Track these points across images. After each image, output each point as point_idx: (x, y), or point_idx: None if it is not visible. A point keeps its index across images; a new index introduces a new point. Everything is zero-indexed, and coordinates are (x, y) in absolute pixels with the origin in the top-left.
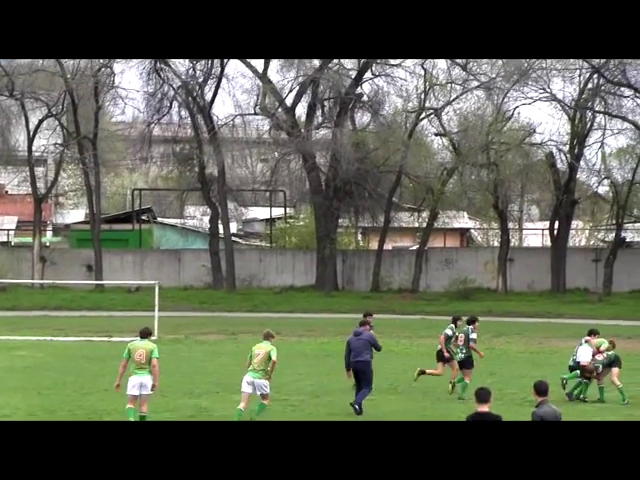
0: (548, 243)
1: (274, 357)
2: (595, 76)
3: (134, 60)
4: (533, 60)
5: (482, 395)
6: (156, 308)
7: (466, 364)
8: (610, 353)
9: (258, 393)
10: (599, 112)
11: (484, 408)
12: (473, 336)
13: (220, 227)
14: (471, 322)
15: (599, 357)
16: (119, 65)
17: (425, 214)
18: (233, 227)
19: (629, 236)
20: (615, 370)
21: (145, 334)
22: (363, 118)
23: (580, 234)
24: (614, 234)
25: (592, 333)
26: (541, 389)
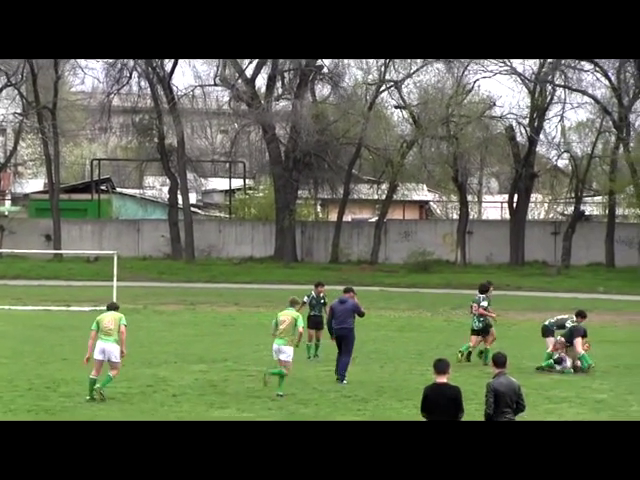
0: (507, 216)
1: (300, 326)
2: None
3: None
4: None
5: (440, 366)
6: (114, 278)
7: (483, 331)
8: (573, 324)
9: (282, 358)
10: (559, 86)
11: (442, 379)
12: (484, 304)
13: (179, 198)
14: (485, 289)
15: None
16: None
17: (384, 186)
18: (192, 198)
19: (588, 209)
20: (578, 340)
21: (113, 307)
22: (323, 90)
23: (539, 207)
24: (573, 207)
25: (580, 315)
26: (499, 361)
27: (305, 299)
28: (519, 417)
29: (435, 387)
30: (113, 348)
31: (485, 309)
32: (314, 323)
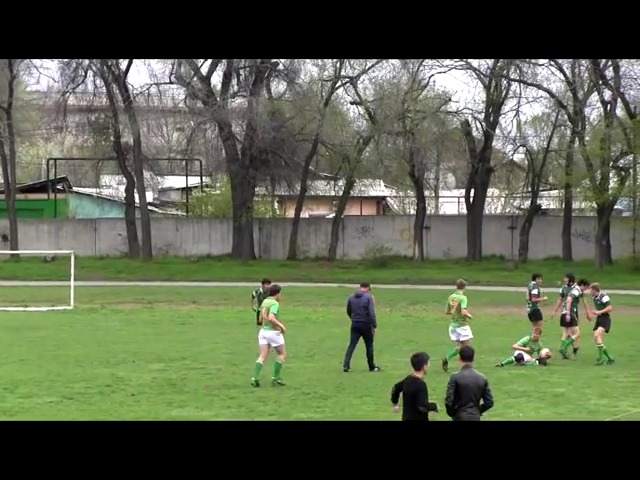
0: (464, 211)
1: (272, 312)
2: None
3: None
4: None
5: (416, 362)
6: (72, 277)
7: (532, 315)
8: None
9: (273, 345)
10: (514, 80)
11: (419, 374)
12: (534, 291)
13: (136, 196)
14: (535, 277)
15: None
16: None
17: (341, 182)
18: (149, 196)
19: (544, 203)
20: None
21: (270, 292)
22: (279, 87)
23: (496, 202)
24: (529, 202)
25: (583, 282)
26: (466, 354)
27: (253, 294)
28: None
29: (409, 380)
30: (270, 334)
31: (536, 296)
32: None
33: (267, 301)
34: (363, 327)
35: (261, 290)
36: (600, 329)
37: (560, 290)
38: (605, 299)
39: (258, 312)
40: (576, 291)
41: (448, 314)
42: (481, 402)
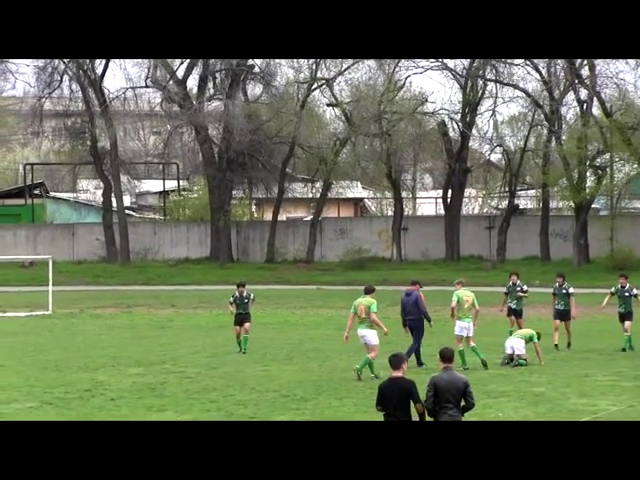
0: (442, 211)
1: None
2: None
3: None
4: None
5: (394, 362)
6: (50, 283)
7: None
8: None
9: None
10: (490, 80)
11: (398, 373)
12: (524, 287)
13: (113, 201)
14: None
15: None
16: None
17: (319, 184)
18: (126, 200)
19: (522, 203)
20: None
21: (367, 291)
22: (255, 89)
23: (473, 202)
24: (507, 201)
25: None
26: (445, 356)
27: (230, 299)
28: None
29: (390, 380)
30: (367, 332)
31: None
32: (239, 320)
33: (364, 300)
34: (414, 324)
35: (237, 294)
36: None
37: (552, 290)
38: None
39: (239, 314)
40: (572, 289)
41: (455, 312)
42: (462, 403)
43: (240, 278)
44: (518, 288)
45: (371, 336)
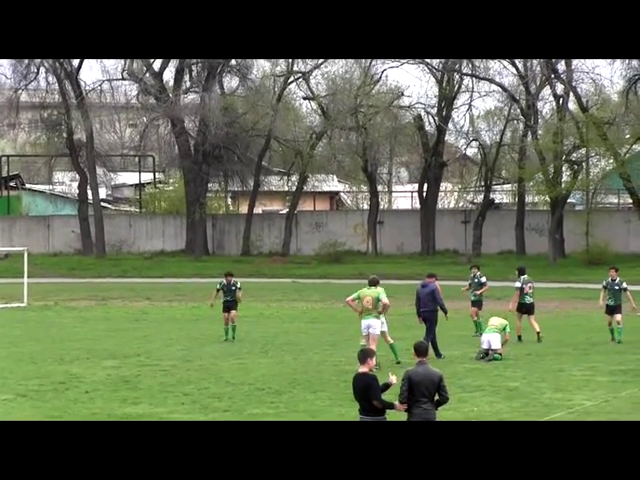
0: (417, 205)
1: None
2: None
3: None
4: None
5: (360, 357)
6: (25, 275)
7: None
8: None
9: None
10: (467, 74)
11: (364, 369)
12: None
13: (89, 193)
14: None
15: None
16: None
17: (295, 178)
18: (102, 193)
19: (497, 198)
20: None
21: (372, 283)
22: (231, 82)
23: (449, 196)
24: (483, 196)
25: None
26: (419, 350)
27: (217, 286)
28: (441, 408)
29: (358, 376)
30: (373, 322)
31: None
32: (227, 307)
33: (370, 291)
34: (428, 316)
35: (224, 282)
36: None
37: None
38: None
39: (226, 301)
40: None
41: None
42: (436, 397)
43: (216, 271)
44: (476, 280)
45: (377, 326)
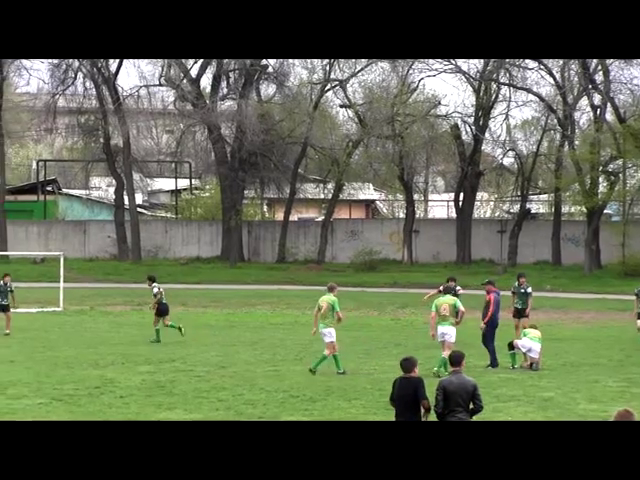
0: (453, 215)
1: (337, 309)
2: None
3: None
4: None
5: (407, 366)
6: (61, 279)
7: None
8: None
9: (326, 340)
10: (504, 84)
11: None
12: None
13: (125, 198)
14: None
15: None
16: None
17: (330, 185)
18: (139, 198)
19: (534, 208)
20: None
21: (446, 291)
22: (268, 89)
23: (485, 205)
24: (519, 206)
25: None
26: (453, 360)
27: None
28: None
29: (401, 380)
30: (448, 330)
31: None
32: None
33: (446, 299)
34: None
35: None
36: None
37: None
38: None
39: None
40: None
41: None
42: (471, 406)
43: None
44: (522, 290)
45: (452, 333)
